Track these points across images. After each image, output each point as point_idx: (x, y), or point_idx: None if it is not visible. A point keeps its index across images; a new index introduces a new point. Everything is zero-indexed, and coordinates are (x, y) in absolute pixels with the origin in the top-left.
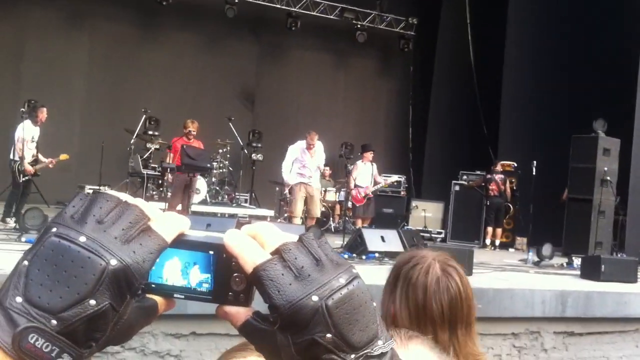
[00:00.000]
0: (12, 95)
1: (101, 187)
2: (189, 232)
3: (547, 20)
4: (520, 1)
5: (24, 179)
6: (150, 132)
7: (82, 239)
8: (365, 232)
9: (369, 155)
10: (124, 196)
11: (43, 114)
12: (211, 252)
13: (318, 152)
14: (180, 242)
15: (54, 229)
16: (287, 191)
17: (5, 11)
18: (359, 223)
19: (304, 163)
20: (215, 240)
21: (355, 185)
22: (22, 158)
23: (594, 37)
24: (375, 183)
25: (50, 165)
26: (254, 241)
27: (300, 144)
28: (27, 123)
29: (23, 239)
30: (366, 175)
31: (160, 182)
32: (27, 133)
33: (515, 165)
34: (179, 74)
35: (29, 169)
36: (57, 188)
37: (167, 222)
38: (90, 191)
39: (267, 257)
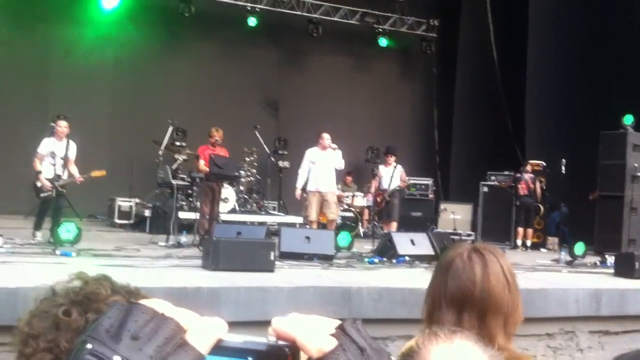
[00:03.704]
0: (40, 113)
1: (132, 200)
2: (226, 336)
3: (569, 15)
4: None
5: (43, 195)
6: (178, 143)
7: (117, 358)
8: (395, 235)
9: (390, 159)
10: (161, 306)
11: (59, 126)
12: (250, 359)
13: (334, 154)
14: (219, 349)
15: (89, 345)
16: (302, 195)
17: (29, 29)
18: (393, 227)
19: (317, 166)
20: (253, 345)
21: (376, 189)
22: (37, 173)
23: (618, 31)
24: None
25: (78, 182)
26: (311, 325)
27: (314, 148)
28: (47, 139)
29: (57, 252)
30: (387, 178)
31: (189, 192)
32: (43, 148)
33: (544, 164)
34: (203, 84)
35: (46, 184)
36: (89, 201)
37: (203, 331)
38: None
39: (334, 344)
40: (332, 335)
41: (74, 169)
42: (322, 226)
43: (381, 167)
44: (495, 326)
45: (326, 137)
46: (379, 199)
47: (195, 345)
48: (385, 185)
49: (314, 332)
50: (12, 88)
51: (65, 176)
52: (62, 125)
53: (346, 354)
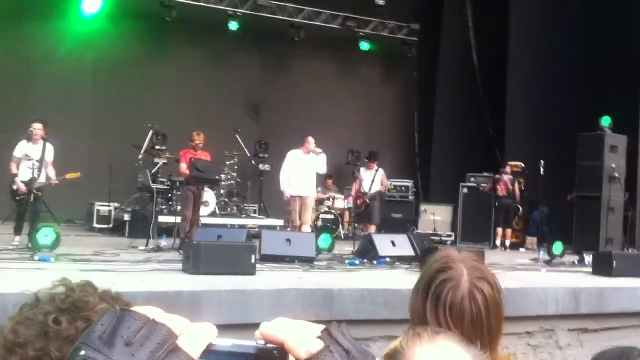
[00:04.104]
0: (20, 117)
1: (111, 204)
2: (216, 341)
3: (550, 18)
4: (522, 1)
5: (18, 198)
6: (158, 147)
7: None
8: (375, 237)
9: (372, 164)
10: (153, 312)
11: (34, 129)
12: None
13: (317, 158)
14: (209, 352)
15: (82, 352)
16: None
17: (11, 34)
18: (372, 230)
19: (299, 169)
20: (243, 349)
21: (358, 192)
22: (13, 176)
23: (597, 34)
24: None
25: (52, 184)
26: (298, 328)
27: (297, 151)
28: (22, 141)
29: (36, 258)
30: (368, 182)
31: (169, 195)
32: (18, 151)
33: (523, 165)
34: (185, 89)
35: (22, 187)
36: (68, 206)
37: (194, 337)
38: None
39: (321, 345)
40: (319, 337)
41: (51, 172)
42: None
43: (362, 170)
44: (499, 345)
45: (311, 141)
46: (359, 202)
47: (186, 350)
48: (366, 188)
49: (302, 335)
50: None
51: (42, 179)
52: (37, 128)
53: (333, 355)
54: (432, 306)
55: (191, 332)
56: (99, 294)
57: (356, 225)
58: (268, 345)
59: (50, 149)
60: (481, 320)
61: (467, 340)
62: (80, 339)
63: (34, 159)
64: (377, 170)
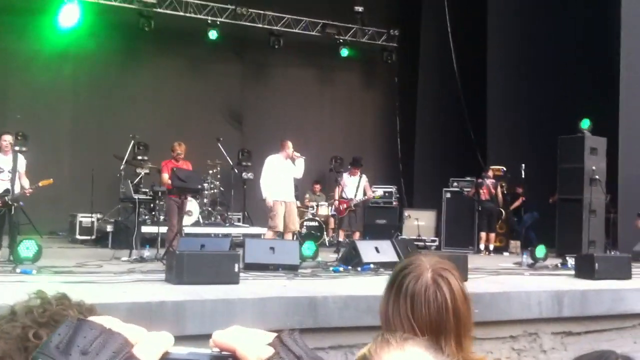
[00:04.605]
0: None
1: (93, 215)
2: (172, 349)
3: (528, 21)
4: (499, 5)
5: None
6: (140, 157)
7: None
8: (359, 243)
9: (356, 170)
10: (109, 322)
11: (4, 141)
12: None
13: (297, 163)
14: None
15: None
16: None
17: None
18: (342, 235)
19: (281, 175)
20: (198, 357)
21: (340, 198)
22: None
23: (575, 37)
24: (364, 195)
25: (27, 193)
26: (250, 336)
27: (276, 156)
28: None
29: (18, 270)
30: (351, 187)
31: (152, 206)
32: None
33: (505, 169)
34: (165, 98)
35: None
36: (50, 218)
37: (149, 345)
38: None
39: (271, 352)
40: (270, 344)
41: (25, 182)
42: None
43: (345, 176)
44: (469, 344)
45: (290, 146)
46: (342, 207)
47: (142, 359)
48: (350, 194)
49: (253, 342)
50: None
51: (17, 190)
52: (6, 140)
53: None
54: (394, 299)
55: (147, 341)
56: (75, 307)
57: (341, 232)
58: (223, 353)
59: (22, 159)
60: (447, 309)
61: (434, 333)
62: (37, 349)
63: (5, 170)
64: (361, 177)
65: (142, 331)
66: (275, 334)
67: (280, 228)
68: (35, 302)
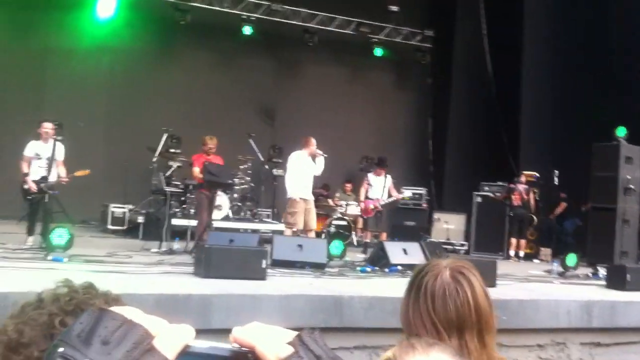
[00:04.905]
0: (35, 120)
1: (125, 206)
2: (193, 342)
3: (564, 27)
4: (536, 8)
5: (29, 197)
6: (172, 150)
7: None
8: (387, 245)
9: (381, 171)
10: (131, 313)
11: (42, 128)
12: None
13: (318, 161)
14: (185, 354)
15: (61, 349)
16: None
17: (26, 37)
18: (369, 236)
19: (305, 173)
20: (218, 351)
21: (366, 198)
22: (24, 175)
23: (613, 43)
24: (390, 196)
25: (63, 182)
26: (270, 333)
27: (301, 152)
28: (32, 141)
29: (49, 258)
30: (377, 188)
31: (183, 199)
32: (28, 151)
33: (537, 175)
34: (199, 92)
35: (32, 186)
36: (83, 207)
37: (171, 337)
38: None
39: (290, 351)
40: (289, 343)
41: (62, 171)
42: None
43: (370, 176)
44: (491, 341)
45: (314, 142)
46: (368, 208)
47: (162, 351)
48: (377, 195)
49: (272, 340)
50: (8, 94)
51: (53, 178)
52: (47, 127)
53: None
54: (414, 300)
55: (168, 333)
56: (102, 296)
57: (369, 233)
58: (243, 348)
59: (60, 148)
60: (468, 305)
61: (457, 330)
62: (59, 337)
63: (44, 157)
64: (386, 177)
65: (163, 323)
66: (295, 333)
67: (301, 226)
68: (62, 290)
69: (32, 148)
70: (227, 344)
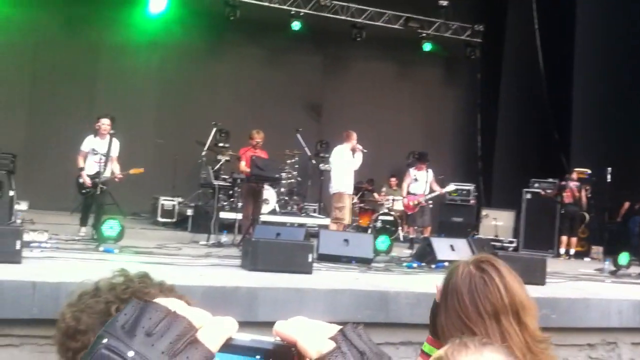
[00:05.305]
0: (87, 113)
1: (175, 199)
2: (236, 335)
3: (617, 20)
4: (589, 3)
5: (84, 191)
6: (221, 144)
7: (130, 353)
8: (434, 240)
9: (422, 165)
10: (175, 305)
11: (99, 123)
12: (257, 357)
13: (357, 156)
14: (228, 347)
15: (105, 340)
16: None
17: (80, 32)
18: (413, 232)
19: (349, 167)
20: (261, 344)
21: (408, 193)
22: (79, 169)
23: None
24: (431, 191)
25: (117, 179)
26: (312, 328)
27: (344, 146)
28: (90, 136)
29: (101, 249)
30: (421, 183)
31: (230, 192)
32: (85, 146)
33: (589, 172)
34: (247, 87)
35: (87, 181)
36: (134, 200)
37: (214, 330)
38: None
39: (332, 346)
40: (331, 338)
41: (116, 167)
42: None
43: (412, 171)
44: (529, 321)
45: (356, 137)
46: (410, 203)
47: (205, 343)
48: (419, 190)
49: (314, 334)
50: (62, 88)
51: (107, 173)
52: (105, 123)
53: (345, 356)
54: (444, 298)
55: (211, 325)
56: (157, 286)
57: (415, 227)
58: (285, 343)
59: (116, 144)
60: (498, 289)
61: (493, 317)
62: (103, 327)
63: (100, 153)
64: (427, 172)
65: (206, 315)
66: (339, 327)
67: (348, 220)
68: (118, 279)
69: (89, 143)
70: (270, 337)
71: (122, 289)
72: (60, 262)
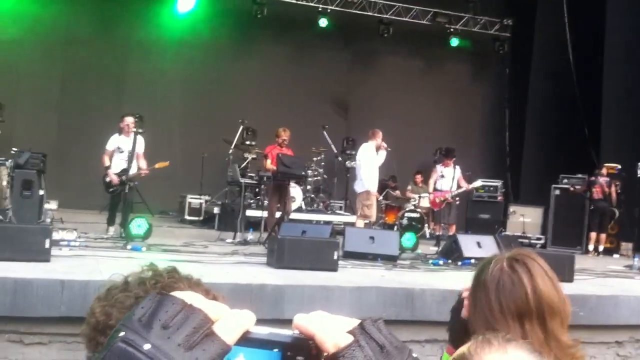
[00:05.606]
0: (116, 112)
1: (202, 197)
2: (253, 328)
3: None
4: None
5: (111, 189)
6: (248, 142)
7: (147, 346)
8: (460, 237)
9: (449, 161)
10: (192, 298)
11: (123, 122)
12: (275, 350)
13: (381, 154)
14: (246, 340)
15: (122, 333)
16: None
17: (108, 31)
18: (439, 229)
19: (376, 166)
20: (279, 337)
21: (435, 190)
22: (106, 168)
23: None
24: (458, 187)
25: (143, 174)
26: (331, 322)
27: (370, 144)
28: (114, 135)
29: (128, 247)
30: (448, 179)
31: (257, 190)
32: (110, 144)
33: (619, 167)
34: (274, 84)
35: (114, 179)
36: (161, 198)
37: (231, 323)
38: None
39: (350, 340)
40: (350, 332)
41: (142, 163)
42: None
43: (439, 168)
44: (556, 327)
45: (381, 135)
46: (437, 200)
47: (222, 336)
48: (446, 186)
49: (332, 328)
50: (91, 87)
51: (134, 170)
52: (128, 121)
53: (363, 350)
54: (474, 290)
55: (228, 318)
56: (185, 280)
57: (440, 226)
58: (303, 336)
59: (141, 141)
60: (524, 291)
61: (517, 318)
62: (120, 321)
63: (125, 151)
64: (455, 168)
65: (223, 308)
66: (358, 321)
67: (374, 218)
68: (147, 274)
69: (114, 142)
70: (288, 331)
71: (151, 284)
72: (88, 260)
